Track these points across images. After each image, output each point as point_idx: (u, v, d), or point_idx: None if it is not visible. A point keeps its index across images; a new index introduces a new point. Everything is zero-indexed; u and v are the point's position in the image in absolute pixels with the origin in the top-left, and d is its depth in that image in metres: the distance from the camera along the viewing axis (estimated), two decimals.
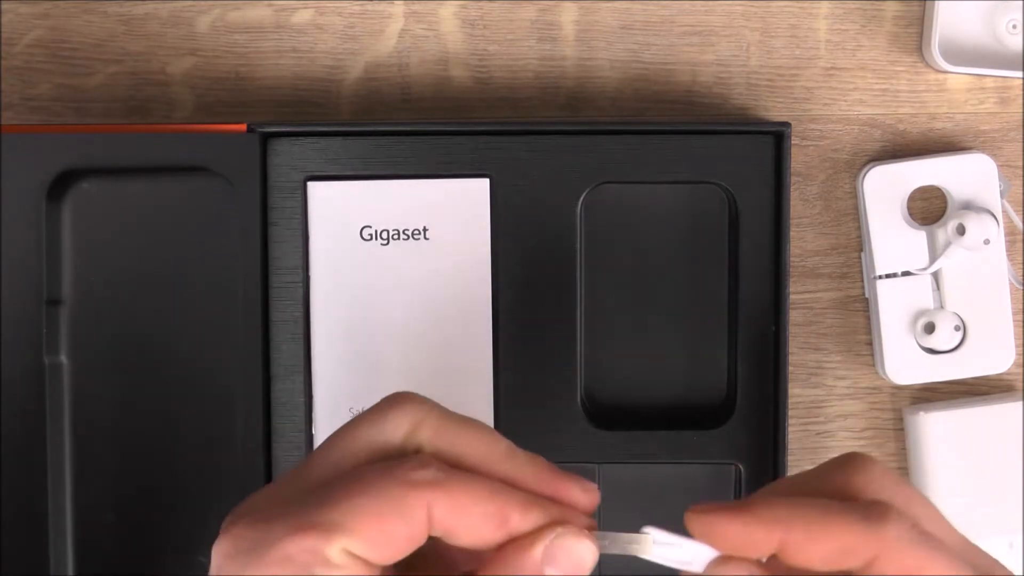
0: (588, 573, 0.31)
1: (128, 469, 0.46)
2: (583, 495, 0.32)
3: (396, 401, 0.33)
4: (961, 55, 0.49)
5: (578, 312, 0.46)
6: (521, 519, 0.31)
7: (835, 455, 0.34)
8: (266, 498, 0.32)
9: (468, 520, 0.30)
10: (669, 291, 0.47)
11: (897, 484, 0.32)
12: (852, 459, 0.33)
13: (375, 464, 0.31)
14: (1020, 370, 0.50)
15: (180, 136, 0.45)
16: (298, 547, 0.29)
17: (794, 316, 0.50)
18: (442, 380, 0.46)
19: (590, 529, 0.32)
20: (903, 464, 0.51)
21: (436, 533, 0.31)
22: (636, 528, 0.32)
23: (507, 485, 0.31)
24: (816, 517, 0.31)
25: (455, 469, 0.31)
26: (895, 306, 0.49)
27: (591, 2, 0.50)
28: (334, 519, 0.30)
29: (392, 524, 0.30)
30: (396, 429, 0.32)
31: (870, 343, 0.51)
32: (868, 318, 0.50)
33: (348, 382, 0.46)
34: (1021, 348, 0.50)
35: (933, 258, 0.49)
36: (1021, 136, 0.50)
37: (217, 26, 0.50)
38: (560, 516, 0.31)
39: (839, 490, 0.32)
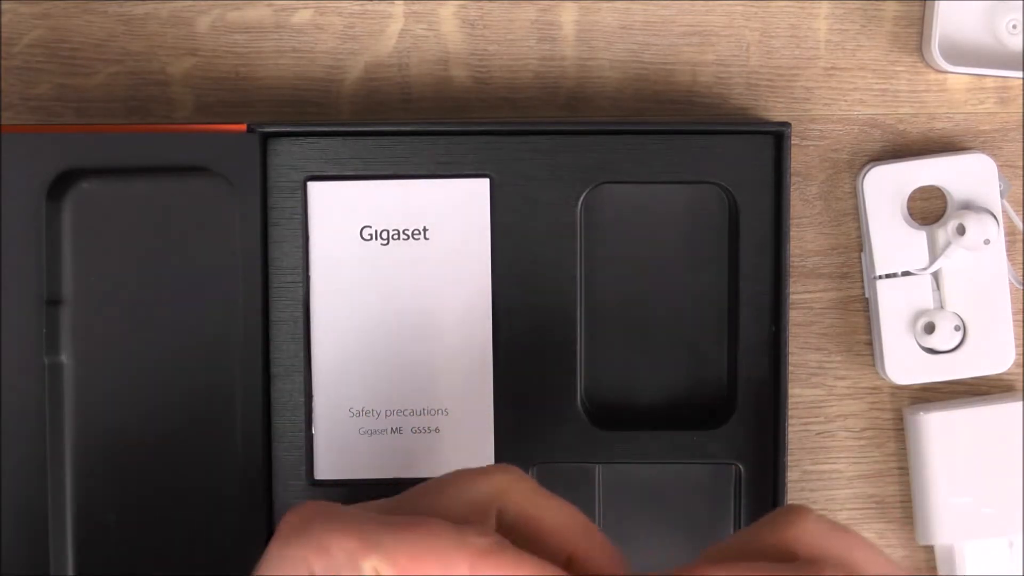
0: None
1: (128, 469, 0.46)
2: None
3: (493, 469, 0.35)
4: (961, 55, 0.49)
5: (578, 312, 0.46)
6: None
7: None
8: (354, 507, 0.34)
9: None
10: (669, 291, 0.47)
11: (833, 531, 0.33)
12: (784, 514, 0.33)
13: (446, 521, 0.33)
14: (1020, 370, 0.50)
15: (180, 136, 0.45)
16: (339, 545, 0.31)
17: (794, 316, 0.50)
18: (442, 380, 0.46)
19: None
20: (903, 464, 0.51)
21: None
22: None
23: (558, 566, 0.33)
24: None
25: (511, 545, 0.32)
26: (895, 306, 0.49)
27: (591, 2, 0.50)
28: (383, 541, 0.32)
29: (429, 569, 0.32)
30: (483, 490, 0.34)
31: (870, 343, 0.51)
32: (868, 318, 0.50)
33: (348, 382, 0.46)
34: (1021, 348, 0.50)
35: (933, 258, 0.49)
36: (1021, 136, 0.50)
37: (217, 26, 0.50)
38: None
39: (777, 547, 0.33)
